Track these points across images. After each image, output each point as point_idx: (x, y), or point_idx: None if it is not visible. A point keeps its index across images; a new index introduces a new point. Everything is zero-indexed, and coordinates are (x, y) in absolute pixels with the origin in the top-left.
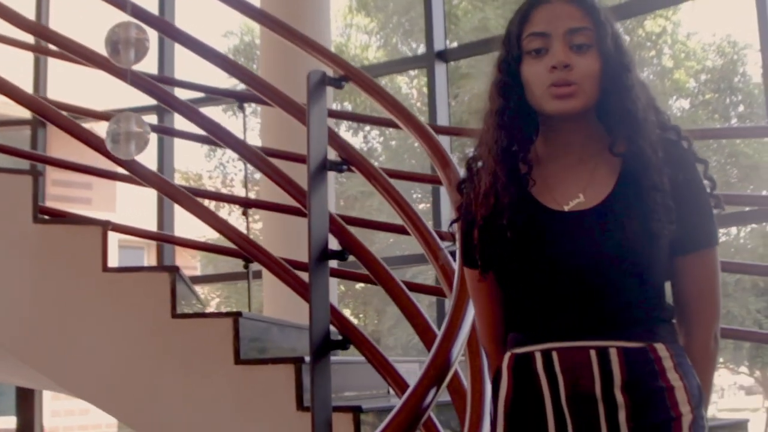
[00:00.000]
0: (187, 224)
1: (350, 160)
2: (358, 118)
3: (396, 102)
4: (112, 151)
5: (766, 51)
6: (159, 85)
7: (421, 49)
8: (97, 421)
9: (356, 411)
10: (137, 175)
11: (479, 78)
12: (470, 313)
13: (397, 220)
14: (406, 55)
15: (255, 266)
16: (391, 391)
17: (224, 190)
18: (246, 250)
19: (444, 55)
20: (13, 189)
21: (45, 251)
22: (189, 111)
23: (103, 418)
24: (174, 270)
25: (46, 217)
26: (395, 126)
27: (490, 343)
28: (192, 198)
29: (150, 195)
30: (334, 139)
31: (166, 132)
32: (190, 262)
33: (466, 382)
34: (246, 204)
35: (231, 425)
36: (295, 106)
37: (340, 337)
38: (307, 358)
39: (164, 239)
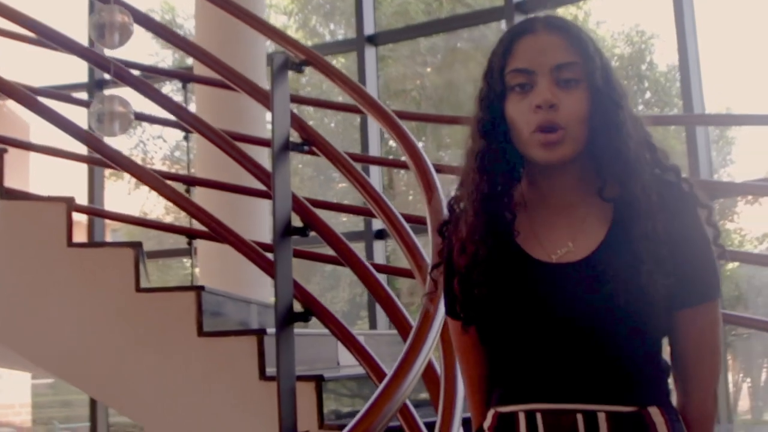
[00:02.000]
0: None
1: (312, 141)
2: (321, 104)
3: (358, 87)
4: (97, 131)
5: (682, 42)
6: (139, 77)
7: (341, 31)
8: (10, 401)
9: (318, 380)
10: (108, 158)
11: (398, 60)
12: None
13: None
14: (324, 37)
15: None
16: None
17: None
18: (213, 229)
19: (374, 39)
20: None
21: (10, 228)
22: (162, 98)
23: (17, 398)
24: (137, 246)
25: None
26: (358, 111)
27: (473, 396)
28: (162, 181)
29: (67, 171)
30: (296, 121)
31: None
32: (112, 237)
33: (439, 369)
34: (192, 182)
35: (195, 395)
36: (258, 90)
37: (302, 310)
38: (269, 330)
39: (125, 219)
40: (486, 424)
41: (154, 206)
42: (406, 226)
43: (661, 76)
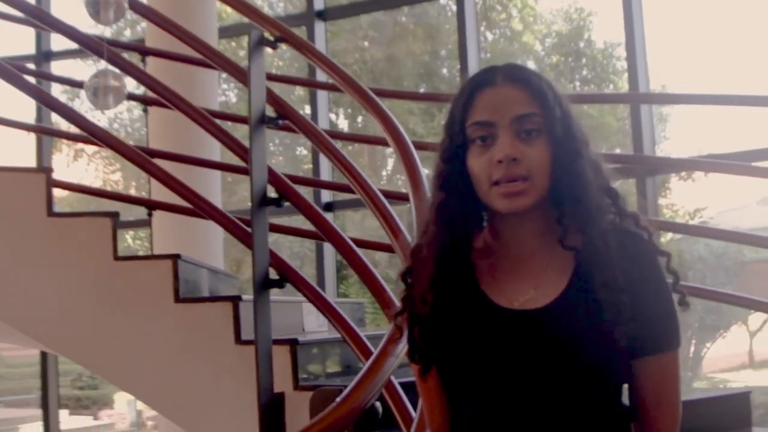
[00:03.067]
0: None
1: (287, 116)
2: (297, 81)
3: (335, 65)
4: (92, 104)
5: (629, 20)
6: (133, 63)
7: (280, 5)
8: None
9: (293, 344)
10: (89, 132)
11: (339, 35)
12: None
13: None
14: (263, 10)
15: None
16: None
17: None
18: (192, 201)
19: (323, 15)
20: None
21: None
22: (145, 77)
23: None
24: (115, 215)
25: None
26: (336, 89)
27: None
28: (146, 157)
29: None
30: (272, 97)
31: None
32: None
33: None
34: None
35: (173, 358)
36: (234, 66)
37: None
38: (245, 297)
39: (104, 195)
40: None
41: (95, 179)
42: (384, 200)
43: (599, 53)
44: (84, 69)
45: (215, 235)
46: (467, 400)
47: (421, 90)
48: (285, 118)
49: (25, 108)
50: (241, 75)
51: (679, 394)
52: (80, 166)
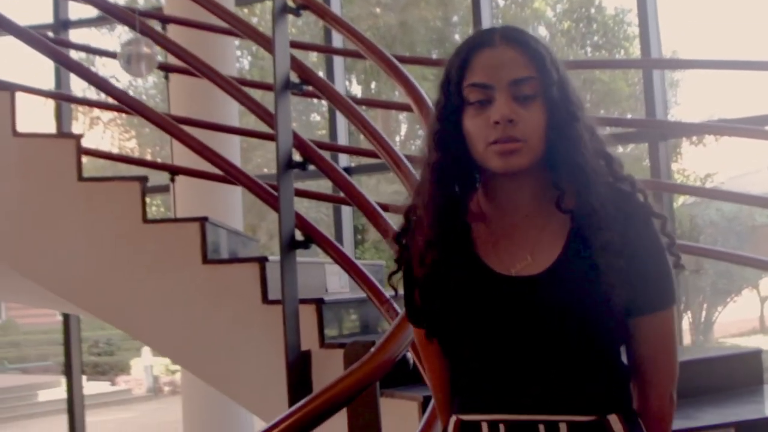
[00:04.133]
0: None
1: (311, 81)
2: (321, 49)
3: (356, 31)
4: (126, 71)
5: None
6: (165, 34)
7: None
8: None
9: (319, 303)
10: (125, 102)
11: (353, 2)
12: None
13: None
14: None
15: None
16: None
17: None
18: (220, 167)
19: None
20: None
21: (23, 164)
22: (175, 47)
23: None
24: (144, 180)
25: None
26: (360, 56)
27: (437, 396)
28: (176, 125)
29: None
30: (296, 63)
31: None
32: None
33: None
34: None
35: (202, 318)
36: (259, 34)
37: (302, 238)
38: (271, 258)
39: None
40: (449, 429)
41: (111, 146)
42: (409, 165)
43: (610, 19)
44: (99, 37)
45: (235, 200)
46: (467, 364)
47: (434, 56)
48: (308, 83)
49: (42, 75)
50: (265, 42)
51: (675, 349)
52: (96, 133)
